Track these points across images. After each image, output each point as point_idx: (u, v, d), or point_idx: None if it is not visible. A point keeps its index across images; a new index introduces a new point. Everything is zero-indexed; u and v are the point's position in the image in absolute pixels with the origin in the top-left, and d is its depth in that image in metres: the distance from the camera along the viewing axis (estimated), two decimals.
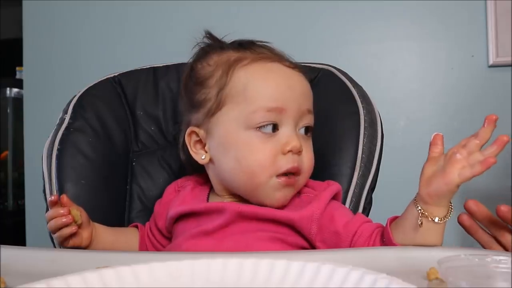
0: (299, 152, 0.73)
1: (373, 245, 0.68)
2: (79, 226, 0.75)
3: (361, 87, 0.95)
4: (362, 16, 1.49)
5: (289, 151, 0.72)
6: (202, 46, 0.83)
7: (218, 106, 0.75)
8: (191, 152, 0.79)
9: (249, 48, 0.79)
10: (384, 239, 0.67)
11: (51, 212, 0.73)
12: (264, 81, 0.75)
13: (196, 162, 0.79)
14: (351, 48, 1.50)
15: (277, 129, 0.73)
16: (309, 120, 0.76)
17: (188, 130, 0.79)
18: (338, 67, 0.98)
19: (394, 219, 0.67)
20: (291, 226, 0.73)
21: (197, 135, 0.78)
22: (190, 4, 1.60)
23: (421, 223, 0.61)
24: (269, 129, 0.72)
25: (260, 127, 0.72)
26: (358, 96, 0.92)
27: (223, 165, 0.75)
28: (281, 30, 1.52)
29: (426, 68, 1.47)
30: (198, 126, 0.78)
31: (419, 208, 0.62)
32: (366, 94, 0.94)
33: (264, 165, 0.72)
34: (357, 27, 1.50)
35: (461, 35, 1.44)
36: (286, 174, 0.73)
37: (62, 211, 0.72)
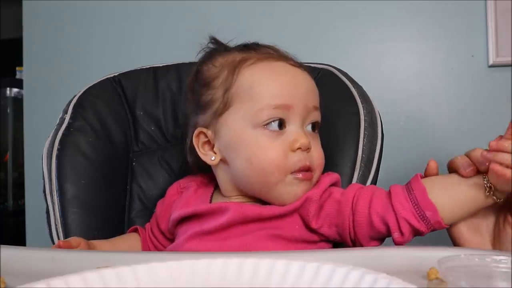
0: (308, 149, 0.73)
1: (374, 202, 0.68)
2: None
3: (361, 87, 0.95)
4: (362, 16, 1.49)
5: (298, 148, 0.72)
6: (207, 50, 0.83)
7: (225, 106, 0.75)
8: (199, 154, 0.78)
9: (253, 49, 0.79)
10: (413, 194, 0.66)
11: None
12: (269, 79, 0.75)
13: (204, 163, 0.79)
14: (351, 48, 1.50)
15: (284, 127, 0.73)
16: (316, 116, 0.76)
17: (196, 131, 0.78)
18: (338, 67, 0.98)
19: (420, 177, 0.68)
20: (294, 216, 0.73)
21: (205, 135, 0.78)
22: (190, 4, 1.60)
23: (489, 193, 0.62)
24: (275, 126, 0.72)
25: (266, 125, 0.72)
26: (358, 96, 0.92)
27: (235, 165, 0.75)
28: (281, 31, 1.52)
29: (426, 68, 1.47)
30: (206, 127, 0.78)
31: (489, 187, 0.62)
32: (366, 94, 0.94)
33: (275, 163, 0.71)
34: (357, 27, 1.50)
35: (461, 35, 1.43)
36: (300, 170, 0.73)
37: None
